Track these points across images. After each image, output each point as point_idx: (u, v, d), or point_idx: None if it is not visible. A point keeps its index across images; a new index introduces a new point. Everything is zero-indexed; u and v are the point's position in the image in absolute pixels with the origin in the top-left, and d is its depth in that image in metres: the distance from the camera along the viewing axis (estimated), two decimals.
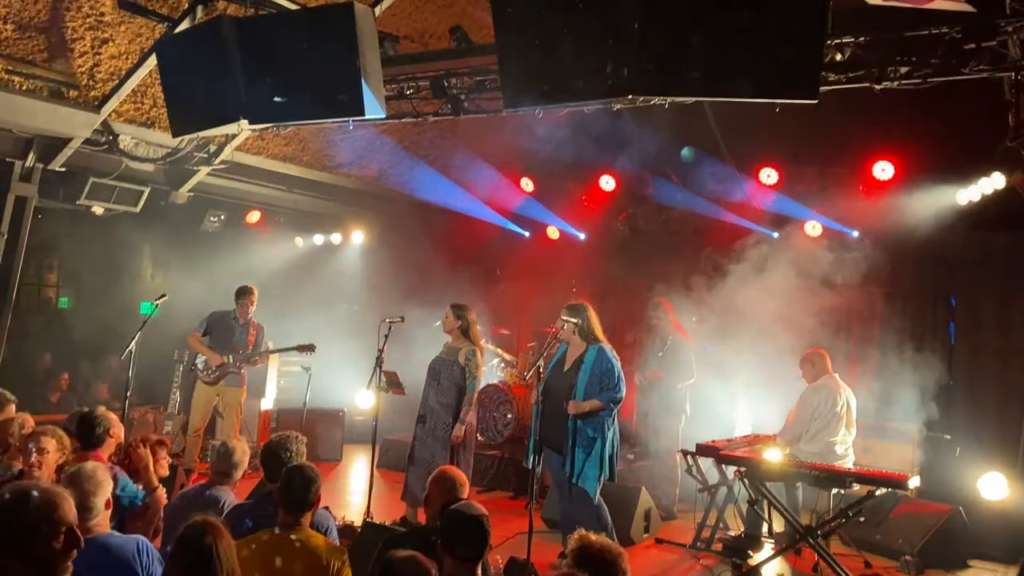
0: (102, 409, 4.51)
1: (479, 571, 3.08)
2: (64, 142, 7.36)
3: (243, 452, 4.31)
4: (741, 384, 8.72)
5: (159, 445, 4.56)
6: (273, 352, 7.53)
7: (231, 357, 7.31)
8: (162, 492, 4.17)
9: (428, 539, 3.19)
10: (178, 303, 8.24)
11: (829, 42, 4.81)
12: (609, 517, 5.43)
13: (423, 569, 2.71)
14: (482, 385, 8.73)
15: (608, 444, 5.38)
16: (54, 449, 4.01)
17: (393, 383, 6.35)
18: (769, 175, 8.05)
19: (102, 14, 6.59)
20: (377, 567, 2.82)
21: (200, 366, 7.40)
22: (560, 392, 5.46)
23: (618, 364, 5.41)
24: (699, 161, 8.53)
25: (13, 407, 5.12)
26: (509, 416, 8.52)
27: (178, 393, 7.65)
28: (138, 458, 4.25)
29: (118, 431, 4.48)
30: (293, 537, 3.29)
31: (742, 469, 5.81)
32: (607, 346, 5.53)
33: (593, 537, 3.00)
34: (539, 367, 5.53)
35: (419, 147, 8.85)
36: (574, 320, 5.48)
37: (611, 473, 5.43)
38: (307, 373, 7.98)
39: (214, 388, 7.34)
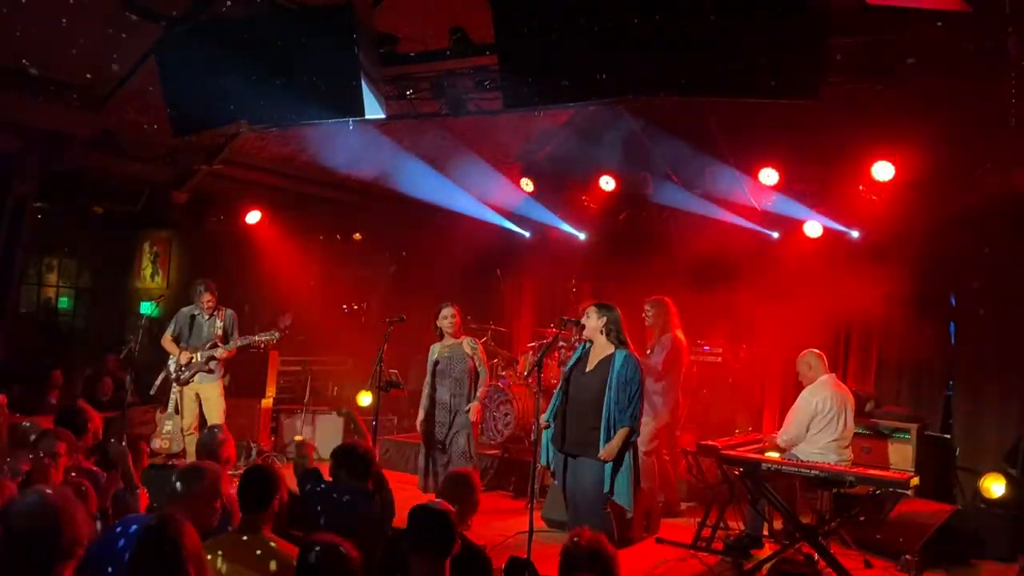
0: (80, 402, 4.54)
1: (447, 569, 3.09)
2: (64, 142, 7.36)
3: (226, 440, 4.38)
4: (739, 383, 8.73)
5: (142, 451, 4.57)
6: (239, 343, 7.46)
7: (199, 354, 7.31)
8: (143, 492, 4.13)
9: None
10: (178, 303, 8.25)
11: (829, 42, 4.81)
12: (613, 525, 5.38)
13: (342, 556, 2.66)
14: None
15: (634, 455, 5.30)
16: (65, 452, 3.99)
17: (393, 383, 6.37)
18: (769, 175, 8.03)
19: (102, 13, 6.58)
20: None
21: (172, 368, 7.38)
22: (582, 394, 5.33)
23: (641, 374, 5.29)
24: (699, 161, 8.53)
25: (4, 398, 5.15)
26: (509, 416, 8.51)
27: (178, 393, 7.62)
28: (117, 454, 4.18)
29: (95, 426, 4.49)
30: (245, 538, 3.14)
31: (741, 469, 5.82)
32: (634, 354, 5.39)
33: (584, 537, 3.03)
34: (538, 367, 5.52)
35: (419, 147, 8.84)
36: (601, 320, 5.38)
37: (633, 481, 5.33)
38: (307, 372, 7.98)
39: (191, 387, 7.34)
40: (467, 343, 6.47)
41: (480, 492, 3.91)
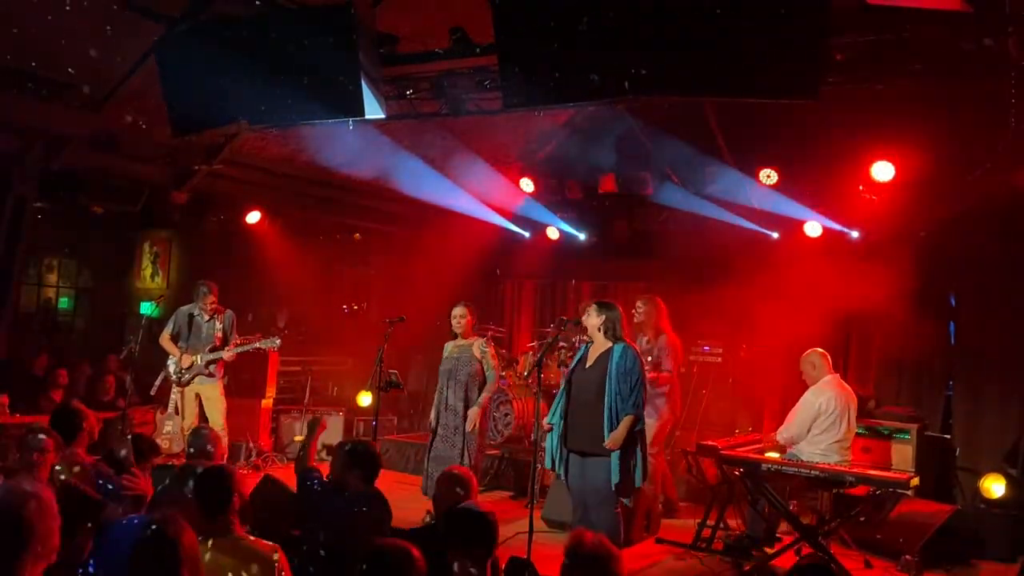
0: (76, 402, 4.54)
1: (489, 569, 3.10)
2: (64, 142, 7.36)
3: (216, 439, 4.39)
4: (739, 383, 8.73)
5: (150, 450, 4.56)
6: (239, 350, 7.48)
7: (200, 357, 7.30)
8: (147, 485, 4.13)
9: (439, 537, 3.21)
10: (178, 303, 8.25)
11: (829, 42, 4.81)
12: (621, 525, 5.36)
13: (412, 559, 2.64)
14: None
15: (641, 448, 5.29)
16: (53, 449, 4.01)
17: (393, 383, 6.36)
18: (769, 175, 8.03)
19: (102, 13, 6.58)
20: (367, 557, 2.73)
21: (172, 369, 7.37)
22: (583, 391, 5.32)
23: (640, 364, 5.30)
24: (699, 161, 8.53)
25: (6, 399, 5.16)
26: (509, 416, 8.52)
27: (178, 394, 7.63)
28: (119, 450, 4.21)
29: (90, 425, 4.50)
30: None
31: (741, 469, 5.82)
32: (632, 346, 5.41)
33: (588, 537, 3.02)
34: (538, 367, 5.52)
35: (419, 147, 8.84)
36: (600, 318, 5.37)
37: (642, 476, 5.33)
38: (307, 372, 7.96)
39: (191, 388, 7.33)
40: (477, 346, 6.38)
41: (476, 493, 3.92)
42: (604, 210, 9.61)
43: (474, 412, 6.21)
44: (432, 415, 6.49)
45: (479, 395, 6.30)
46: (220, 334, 7.40)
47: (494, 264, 10.55)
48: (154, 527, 2.52)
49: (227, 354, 7.34)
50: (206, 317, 7.41)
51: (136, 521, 2.75)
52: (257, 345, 7.53)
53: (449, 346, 6.51)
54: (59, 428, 4.24)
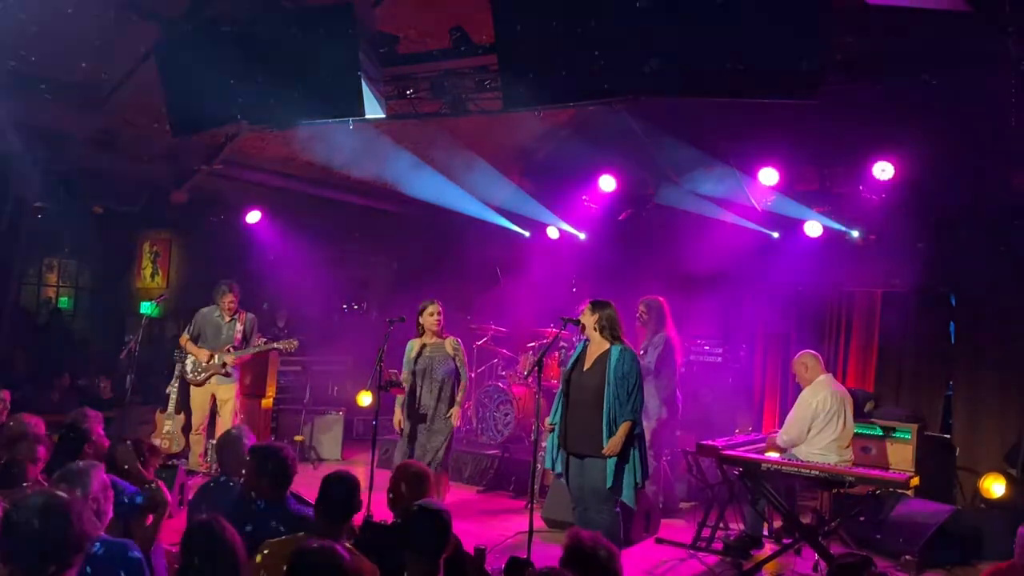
0: (86, 414, 4.51)
1: (441, 568, 3.08)
2: (65, 142, 7.36)
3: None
4: (739, 383, 8.74)
5: (151, 452, 4.50)
6: (256, 351, 7.49)
7: (218, 357, 7.31)
8: (162, 486, 4.12)
9: (395, 535, 3.20)
10: (178, 303, 8.25)
11: (829, 42, 4.81)
12: (621, 525, 5.33)
13: (335, 559, 2.61)
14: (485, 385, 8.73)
15: (639, 449, 5.28)
16: (43, 457, 4.00)
17: (393, 383, 6.34)
18: (769, 175, 8.03)
19: (103, 14, 6.59)
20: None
21: (189, 367, 7.37)
22: (582, 394, 5.30)
23: (639, 367, 5.29)
24: (699, 161, 8.53)
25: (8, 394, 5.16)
26: (509, 416, 8.52)
27: (177, 393, 7.63)
28: (123, 456, 4.16)
29: (97, 439, 4.48)
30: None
31: (741, 469, 5.82)
32: (630, 347, 5.38)
33: (586, 535, 3.02)
34: (538, 367, 5.51)
35: (419, 147, 8.85)
36: (595, 316, 5.36)
37: (643, 477, 5.31)
38: (308, 372, 7.96)
39: (206, 388, 7.34)
40: (449, 343, 6.29)
41: (431, 491, 3.90)
42: (604, 210, 9.62)
43: (455, 411, 6.18)
44: (398, 414, 6.29)
45: (455, 396, 6.22)
46: (240, 336, 7.39)
47: (494, 264, 10.55)
48: (204, 527, 2.54)
49: (248, 352, 7.35)
50: (226, 318, 7.39)
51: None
52: (276, 346, 7.54)
53: (415, 344, 6.35)
54: (64, 447, 4.22)
